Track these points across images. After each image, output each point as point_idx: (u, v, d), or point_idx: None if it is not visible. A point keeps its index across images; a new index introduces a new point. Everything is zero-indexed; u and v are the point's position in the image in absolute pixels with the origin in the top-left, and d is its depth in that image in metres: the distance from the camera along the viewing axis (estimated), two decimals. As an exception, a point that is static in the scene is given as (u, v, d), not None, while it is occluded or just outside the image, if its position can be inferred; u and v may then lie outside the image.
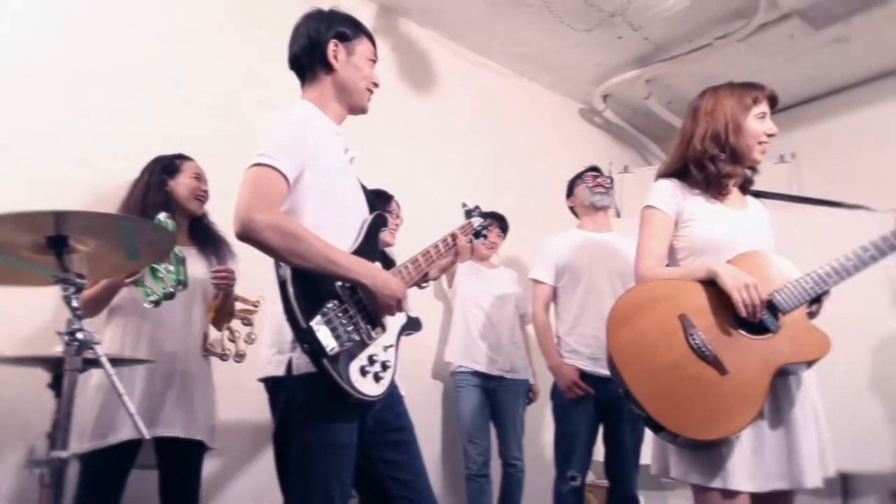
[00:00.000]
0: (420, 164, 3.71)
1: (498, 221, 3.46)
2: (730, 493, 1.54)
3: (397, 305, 1.55)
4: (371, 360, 1.50)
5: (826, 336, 1.59)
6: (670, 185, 1.82)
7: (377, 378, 1.51)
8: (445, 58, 3.97)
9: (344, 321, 1.46)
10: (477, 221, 2.33)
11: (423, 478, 1.63)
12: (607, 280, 2.68)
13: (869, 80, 4.42)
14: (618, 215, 4.65)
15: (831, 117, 4.61)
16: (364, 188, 1.74)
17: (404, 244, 2.48)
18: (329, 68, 1.64)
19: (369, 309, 1.52)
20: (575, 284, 2.73)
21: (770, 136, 1.78)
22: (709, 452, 1.56)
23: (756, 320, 1.58)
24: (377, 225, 1.67)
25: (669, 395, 1.56)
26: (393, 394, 1.60)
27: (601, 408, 2.62)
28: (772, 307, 1.60)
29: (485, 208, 2.44)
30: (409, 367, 3.33)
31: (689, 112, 1.85)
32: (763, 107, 1.78)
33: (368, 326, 1.52)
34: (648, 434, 2.55)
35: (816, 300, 1.64)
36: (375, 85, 1.72)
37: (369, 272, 1.50)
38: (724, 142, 1.74)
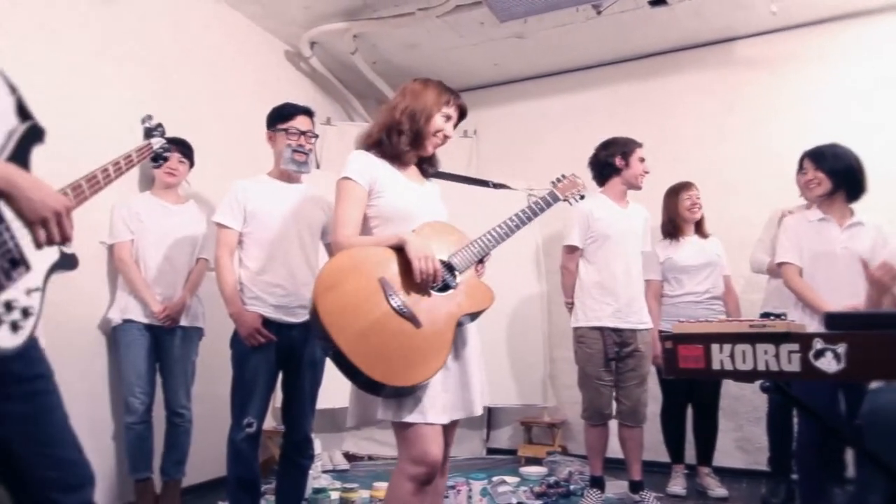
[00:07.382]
0: (87, 78, 3.16)
1: (180, 146, 3.15)
2: (427, 427, 1.80)
3: (56, 219, 1.33)
4: (8, 307, 1.26)
5: (490, 289, 1.96)
6: (366, 157, 1.99)
7: (15, 327, 1.27)
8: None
9: (-34, 261, 1.20)
10: (158, 142, 2.08)
11: (59, 430, 1.43)
12: (296, 231, 2.67)
13: (540, 76, 5.17)
14: (317, 166, 4.67)
15: (508, 103, 5.29)
16: (14, 88, 1.42)
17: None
18: None
19: (11, 244, 1.27)
20: (263, 232, 2.66)
21: (446, 137, 2.06)
22: (410, 395, 1.80)
23: (432, 286, 1.84)
24: (32, 137, 1.38)
25: (376, 351, 1.73)
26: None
27: (282, 354, 2.64)
28: (450, 268, 1.90)
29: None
30: (69, 310, 2.93)
31: (400, 89, 2.09)
32: (451, 111, 2.05)
33: (7, 265, 1.27)
34: (327, 378, 2.67)
35: (481, 261, 1.99)
36: None
37: (5, 175, 1.25)
38: (415, 122, 1.99)
